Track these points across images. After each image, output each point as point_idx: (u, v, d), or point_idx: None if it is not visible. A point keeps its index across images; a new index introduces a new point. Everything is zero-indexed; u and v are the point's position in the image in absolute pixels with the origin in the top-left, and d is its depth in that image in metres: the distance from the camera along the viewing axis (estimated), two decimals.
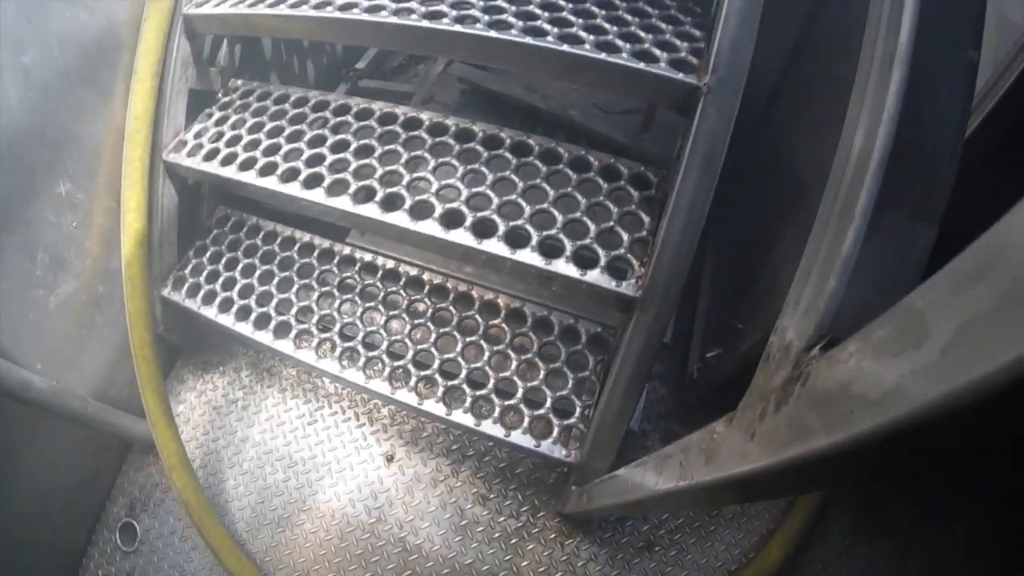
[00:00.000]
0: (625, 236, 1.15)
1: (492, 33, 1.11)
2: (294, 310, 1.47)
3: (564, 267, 1.12)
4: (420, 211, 1.19)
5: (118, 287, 1.46)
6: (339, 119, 1.39)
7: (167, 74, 1.44)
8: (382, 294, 1.46)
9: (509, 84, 1.87)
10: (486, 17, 1.15)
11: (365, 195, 1.24)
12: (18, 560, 1.41)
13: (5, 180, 1.21)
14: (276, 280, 1.51)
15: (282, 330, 1.45)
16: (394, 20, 1.17)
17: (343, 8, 1.24)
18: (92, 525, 1.62)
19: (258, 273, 1.53)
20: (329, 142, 1.34)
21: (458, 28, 1.13)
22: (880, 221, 0.67)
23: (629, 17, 1.18)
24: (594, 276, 1.11)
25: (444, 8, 1.18)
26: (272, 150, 1.37)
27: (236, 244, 1.61)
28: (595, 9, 1.20)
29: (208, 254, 1.62)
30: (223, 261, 1.59)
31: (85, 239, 1.42)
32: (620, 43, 1.10)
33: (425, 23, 1.15)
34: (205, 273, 1.58)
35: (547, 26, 1.13)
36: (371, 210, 1.20)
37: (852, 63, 0.88)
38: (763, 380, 0.70)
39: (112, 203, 1.45)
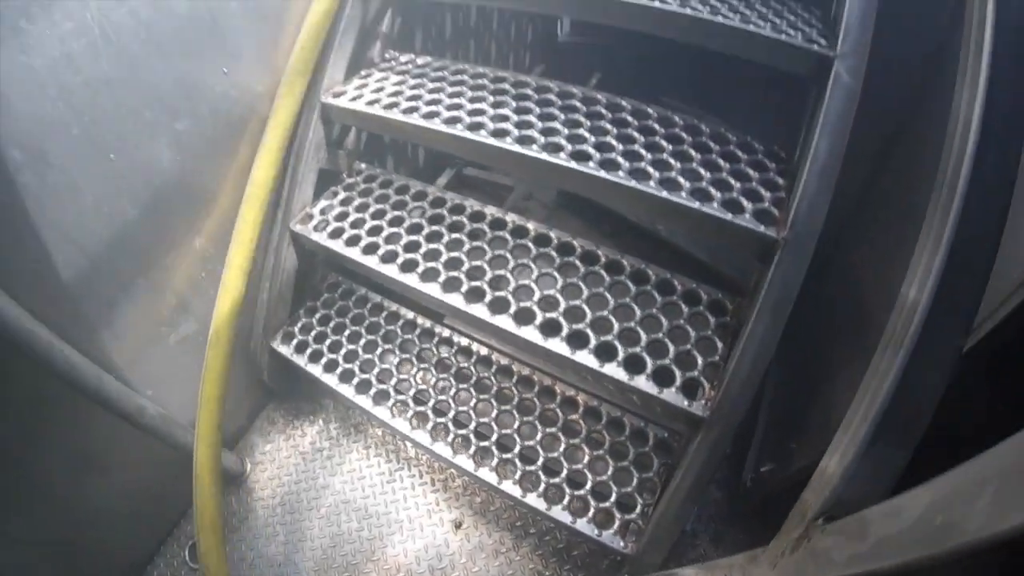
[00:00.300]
0: (700, 359, 1.28)
1: (602, 173, 1.28)
2: (393, 380, 1.64)
3: (644, 383, 1.26)
4: (523, 317, 1.36)
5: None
6: (454, 218, 1.59)
7: (302, 152, 1.66)
8: (475, 377, 1.62)
9: None
10: (598, 155, 1.33)
11: (475, 296, 1.42)
12: (85, 560, 1.56)
13: (151, 230, 1.41)
14: (379, 350, 1.70)
15: (381, 397, 1.62)
16: (516, 148, 1.36)
17: (472, 128, 1.44)
18: (163, 538, 1.79)
19: (363, 341, 1.72)
20: (444, 240, 1.54)
21: (572, 165, 1.31)
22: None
23: (722, 162, 1.34)
24: (669, 394, 1.25)
25: (561, 141, 1.37)
26: (393, 239, 1.57)
27: (344, 311, 1.81)
28: (692, 152, 1.37)
29: (317, 316, 1.82)
30: (331, 324, 1.79)
31: (209, 288, 1.61)
32: (712, 191, 1.26)
33: (545, 156, 1.33)
34: (313, 333, 1.78)
35: (650, 168, 1.30)
36: (481, 311, 1.38)
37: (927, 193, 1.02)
38: (789, 526, 0.87)
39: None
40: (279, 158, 1.63)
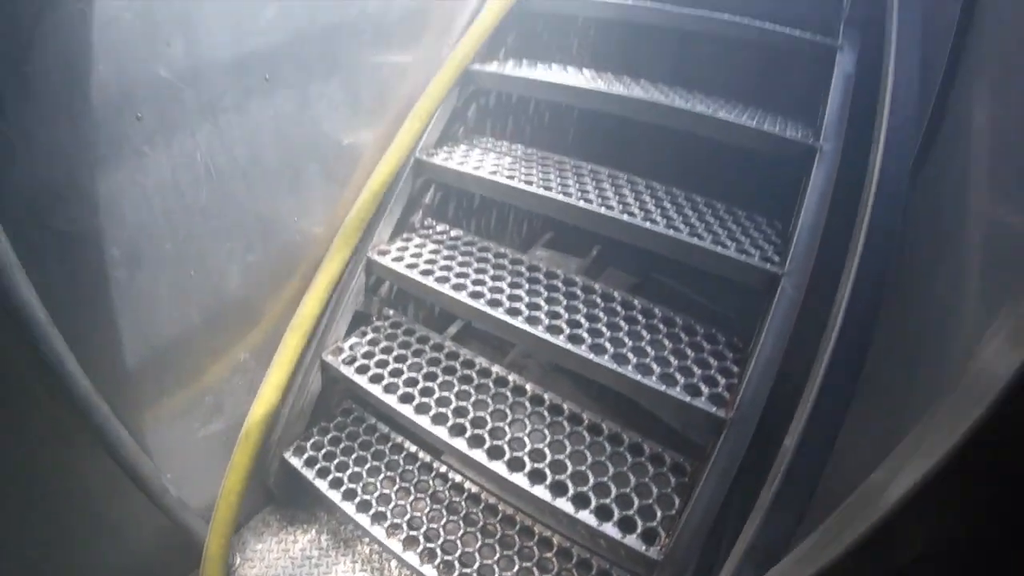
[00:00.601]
0: (659, 512, 1.54)
1: (592, 356, 1.62)
2: (391, 505, 1.86)
3: (610, 529, 1.51)
4: (514, 465, 1.63)
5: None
6: (465, 371, 1.89)
7: (344, 295, 1.99)
8: (464, 511, 1.85)
9: None
10: (589, 339, 1.67)
11: (476, 442, 1.70)
12: None
13: (207, 338, 1.68)
14: (382, 476, 1.93)
15: (378, 518, 1.83)
16: (526, 328, 1.72)
17: (491, 304, 1.78)
18: None
19: (368, 466, 1.96)
20: (455, 389, 1.84)
21: (568, 346, 1.66)
22: None
23: (689, 351, 1.67)
24: (631, 540, 1.49)
25: (562, 324, 1.71)
26: (410, 382, 1.86)
27: (354, 436, 2.05)
28: (665, 341, 1.70)
29: (329, 436, 2.06)
30: (341, 446, 2.02)
31: (243, 394, 1.86)
32: (678, 376, 1.59)
33: (548, 336, 1.69)
34: (324, 451, 2.01)
35: (630, 355, 1.63)
36: (480, 455, 1.66)
37: None
38: None
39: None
40: (325, 297, 1.96)
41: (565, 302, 1.82)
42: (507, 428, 1.72)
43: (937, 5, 1.70)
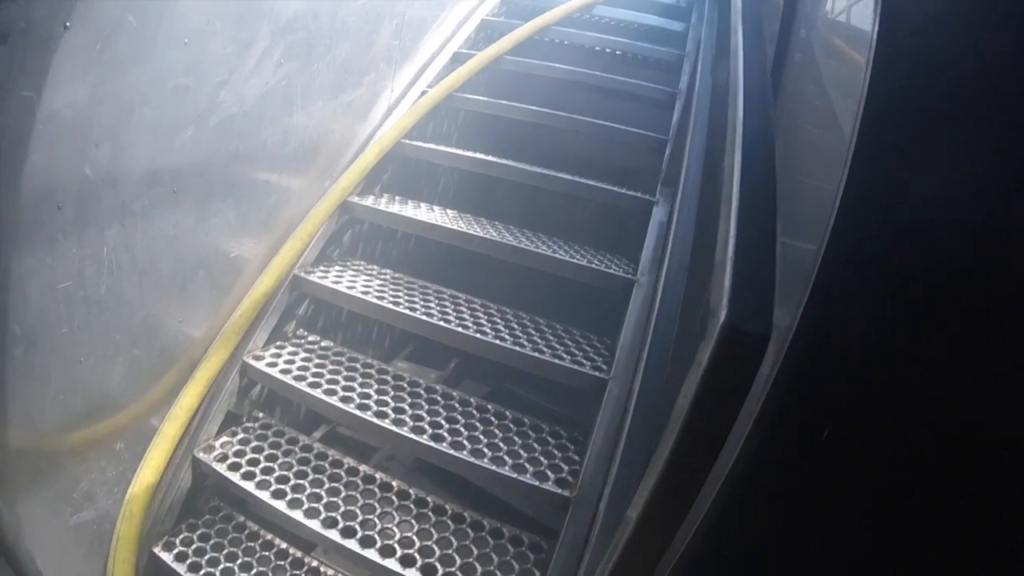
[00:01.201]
0: None
1: (451, 451, 1.91)
2: None
3: None
4: (386, 551, 1.81)
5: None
6: (333, 471, 2.05)
7: (218, 394, 2.12)
8: None
9: None
10: (449, 438, 1.94)
11: (348, 533, 1.86)
12: None
13: (87, 429, 1.72)
14: (253, 572, 1.97)
15: None
16: (393, 428, 1.93)
17: (360, 408, 2.01)
18: None
19: (239, 561, 1.99)
20: (325, 486, 1.99)
21: (431, 444, 1.93)
22: None
23: (536, 445, 1.98)
24: None
25: (424, 425, 1.97)
26: (282, 480, 1.99)
27: (223, 533, 2.08)
28: (516, 439, 2.01)
29: (198, 533, 2.06)
30: (210, 543, 2.03)
31: (115, 484, 1.88)
32: (527, 466, 1.89)
33: (412, 436, 1.94)
34: (193, 547, 2.01)
35: (485, 449, 1.91)
36: (353, 544, 1.82)
37: None
38: None
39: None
40: (203, 392, 2.07)
41: (427, 406, 2.09)
42: (377, 520, 1.89)
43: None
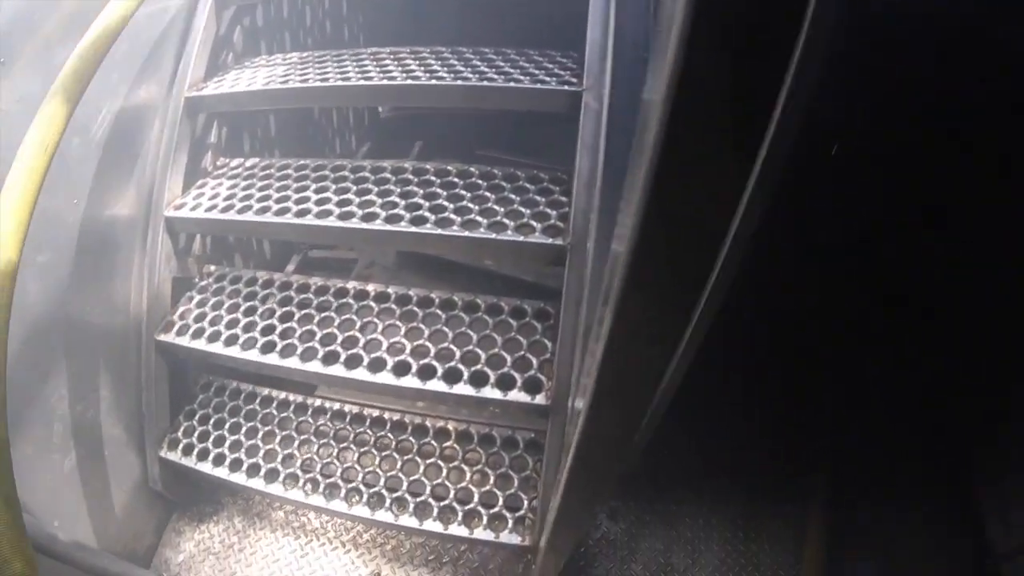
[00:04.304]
0: (535, 360, 1.51)
1: (424, 229, 1.52)
2: (279, 458, 1.74)
3: (491, 392, 1.46)
4: (375, 365, 1.53)
5: (120, 452, 1.75)
6: (301, 296, 1.75)
7: (155, 266, 1.78)
8: (352, 435, 1.76)
9: None
10: (433, 217, 1.55)
11: (331, 359, 1.58)
12: None
13: (28, 362, 1.47)
14: (260, 434, 1.80)
15: (271, 476, 1.72)
16: (359, 225, 1.57)
17: (299, 215, 1.63)
18: None
19: (244, 430, 1.81)
20: (296, 317, 1.69)
21: (403, 228, 1.54)
22: None
23: (513, 196, 1.60)
24: (514, 395, 1.46)
25: (400, 211, 1.58)
26: (249, 327, 1.70)
27: (221, 406, 1.89)
28: (488, 194, 1.62)
29: (196, 417, 1.88)
30: (211, 422, 1.86)
31: (87, 411, 1.69)
32: (506, 221, 1.51)
33: (388, 227, 1.56)
34: (196, 434, 1.84)
35: (453, 216, 1.54)
36: (338, 370, 1.55)
37: None
38: None
39: (111, 379, 1.75)
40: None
41: (398, 190, 1.67)
42: (358, 334, 1.62)
43: None
